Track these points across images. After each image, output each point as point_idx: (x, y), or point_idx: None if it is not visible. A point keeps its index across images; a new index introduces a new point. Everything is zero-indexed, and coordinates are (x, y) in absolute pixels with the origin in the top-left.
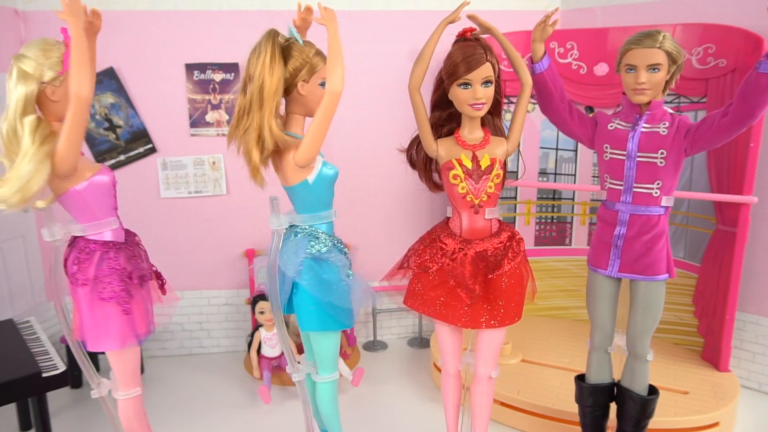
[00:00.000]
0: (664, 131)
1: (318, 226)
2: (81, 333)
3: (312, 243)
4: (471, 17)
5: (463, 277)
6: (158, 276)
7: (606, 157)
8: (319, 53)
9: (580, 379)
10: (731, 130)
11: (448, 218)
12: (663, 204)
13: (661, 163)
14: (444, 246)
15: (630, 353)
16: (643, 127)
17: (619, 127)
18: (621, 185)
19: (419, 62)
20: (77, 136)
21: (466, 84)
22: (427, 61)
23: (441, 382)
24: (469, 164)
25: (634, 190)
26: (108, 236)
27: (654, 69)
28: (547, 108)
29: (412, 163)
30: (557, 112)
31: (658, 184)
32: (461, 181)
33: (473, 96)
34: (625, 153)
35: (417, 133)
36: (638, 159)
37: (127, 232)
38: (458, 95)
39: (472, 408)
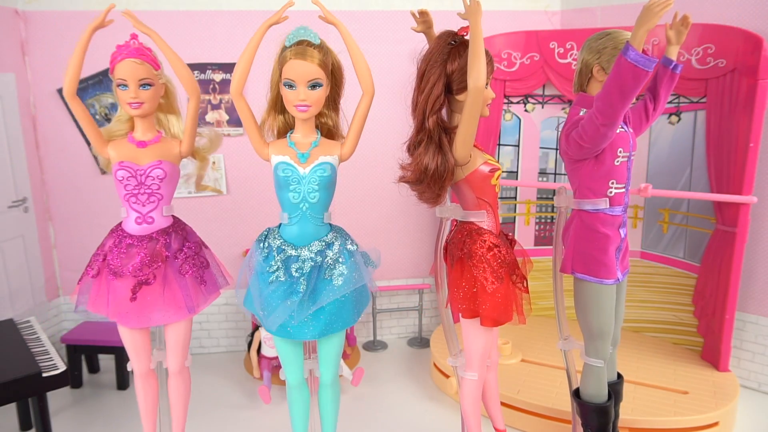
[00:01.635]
0: (630, 129)
1: (280, 227)
2: None
3: (257, 240)
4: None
5: (516, 266)
6: (144, 282)
7: (618, 161)
8: (283, 50)
9: (581, 397)
10: None
11: (472, 223)
12: None
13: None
14: (501, 249)
15: (612, 345)
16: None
17: (620, 129)
18: (624, 187)
19: (478, 59)
20: (84, 126)
21: (486, 83)
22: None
23: (471, 392)
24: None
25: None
26: (124, 224)
27: None
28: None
29: (420, 178)
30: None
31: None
32: (497, 180)
33: (489, 95)
34: (628, 154)
35: (422, 145)
36: (632, 159)
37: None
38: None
39: (493, 396)
